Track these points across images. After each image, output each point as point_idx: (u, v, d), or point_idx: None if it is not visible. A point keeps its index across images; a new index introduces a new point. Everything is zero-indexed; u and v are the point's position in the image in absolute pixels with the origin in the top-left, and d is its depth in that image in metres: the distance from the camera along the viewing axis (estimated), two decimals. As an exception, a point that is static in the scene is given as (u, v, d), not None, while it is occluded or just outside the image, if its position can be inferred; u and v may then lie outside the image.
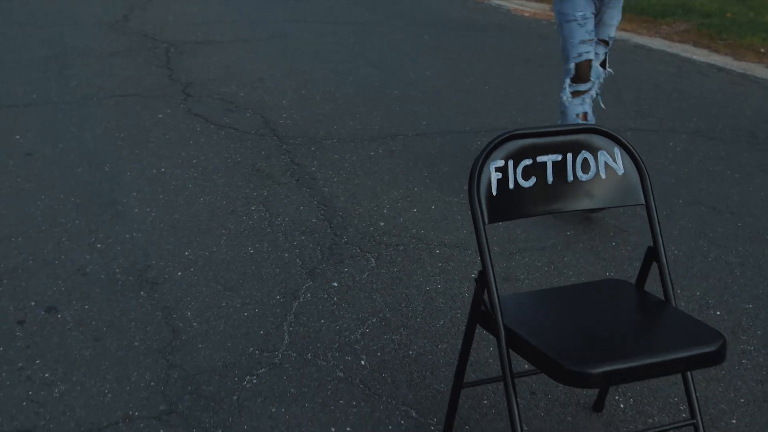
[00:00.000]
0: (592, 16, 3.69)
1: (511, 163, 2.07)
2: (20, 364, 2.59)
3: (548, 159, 2.12)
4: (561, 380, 1.81)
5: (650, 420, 2.44)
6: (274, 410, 2.42)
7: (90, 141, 4.58)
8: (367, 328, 2.86)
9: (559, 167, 2.13)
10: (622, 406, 2.51)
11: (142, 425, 2.34)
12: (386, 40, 7.61)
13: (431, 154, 4.57)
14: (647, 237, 3.54)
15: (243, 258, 3.33)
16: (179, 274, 3.18)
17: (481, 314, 2.05)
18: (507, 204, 2.06)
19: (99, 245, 3.38)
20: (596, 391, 2.47)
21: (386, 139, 4.78)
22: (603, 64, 3.83)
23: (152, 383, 2.52)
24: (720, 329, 2.91)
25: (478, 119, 5.25)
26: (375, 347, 2.76)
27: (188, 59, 6.49)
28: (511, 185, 2.07)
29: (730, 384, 2.63)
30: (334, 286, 3.14)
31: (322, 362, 2.67)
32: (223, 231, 3.56)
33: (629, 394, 2.56)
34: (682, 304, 3.09)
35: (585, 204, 2.16)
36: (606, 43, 3.82)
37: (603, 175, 2.16)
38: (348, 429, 2.36)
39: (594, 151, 2.15)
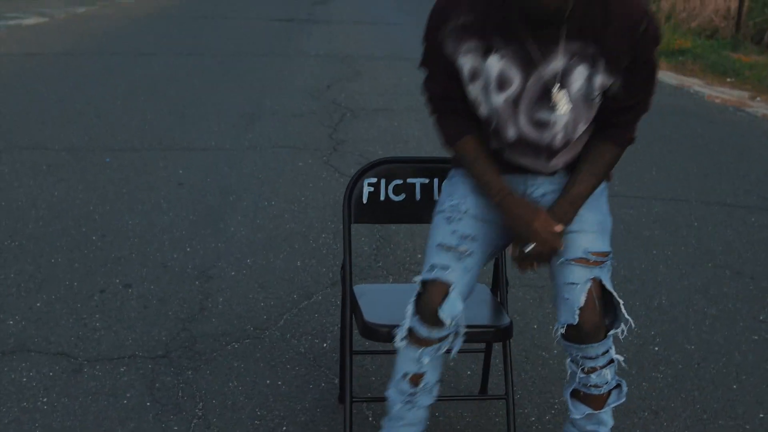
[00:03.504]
0: (482, 216, 2.29)
1: (383, 181, 2.73)
2: (84, 316, 3.56)
3: (417, 181, 2.75)
4: (362, 333, 2.44)
5: (526, 411, 2.93)
6: (235, 365, 3.20)
7: (233, 178, 5.64)
8: (346, 324, 3.55)
9: (427, 188, 2.74)
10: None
11: (139, 361, 3.20)
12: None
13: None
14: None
15: (289, 268, 4.14)
16: (233, 273, 4.05)
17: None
18: (376, 211, 2.71)
19: (188, 249, 4.35)
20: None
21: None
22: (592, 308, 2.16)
23: (164, 338, 3.38)
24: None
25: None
26: (343, 337, 3.44)
27: (357, 122, 7.49)
28: (382, 197, 2.72)
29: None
30: (345, 294, 3.86)
31: (294, 341, 3.40)
32: (288, 248, 4.40)
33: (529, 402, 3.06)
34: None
35: (446, 218, 2.75)
36: (586, 261, 2.18)
37: (464, 198, 2.74)
38: (279, 382, 3.08)
39: (457, 178, 2.75)
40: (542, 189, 2.30)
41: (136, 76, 9.61)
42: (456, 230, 2.25)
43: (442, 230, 2.27)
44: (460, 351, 2.98)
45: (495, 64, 2.08)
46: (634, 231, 4.85)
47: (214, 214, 4.90)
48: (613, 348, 2.24)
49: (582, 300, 2.14)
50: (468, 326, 2.33)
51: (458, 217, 2.27)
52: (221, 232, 4.60)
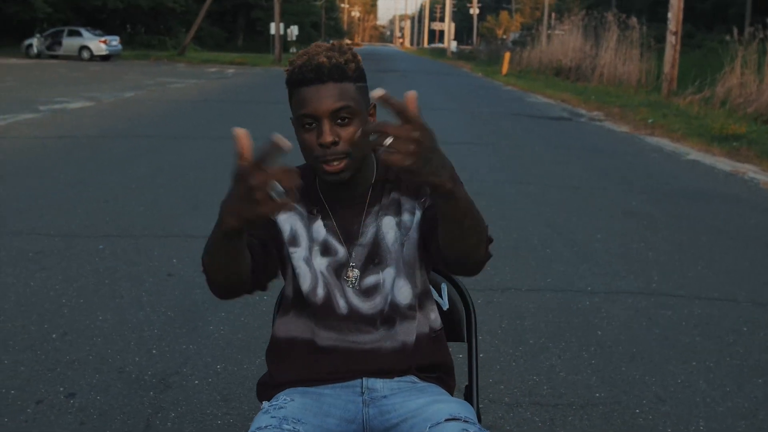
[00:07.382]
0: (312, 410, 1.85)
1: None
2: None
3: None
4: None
5: None
6: (165, 503, 2.63)
7: (228, 269, 5.15)
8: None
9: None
10: None
11: (52, 495, 2.66)
12: (590, 203, 7.62)
13: (521, 308, 4.56)
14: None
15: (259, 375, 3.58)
16: (196, 382, 3.52)
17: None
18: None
19: (154, 351, 3.83)
20: None
21: (488, 291, 4.84)
22: None
23: (90, 464, 2.85)
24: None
25: (599, 279, 5.13)
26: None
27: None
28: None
29: None
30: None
31: (244, 471, 2.83)
32: (267, 352, 3.85)
33: None
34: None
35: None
36: (456, 419, 1.73)
37: (428, 308, 2.19)
38: None
39: (420, 282, 2.21)
40: (384, 391, 1.89)
41: (160, 160, 9.34)
42: (276, 416, 1.77)
43: (258, 421, 1.76)
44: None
45: (320, 229, 1.90)
46: (671, 337, 4.21)
47: (196, 309, 4.40)
48: None
49: None
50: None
51: (279, 406, 1.81)
52: (197, 331, 4.09)
